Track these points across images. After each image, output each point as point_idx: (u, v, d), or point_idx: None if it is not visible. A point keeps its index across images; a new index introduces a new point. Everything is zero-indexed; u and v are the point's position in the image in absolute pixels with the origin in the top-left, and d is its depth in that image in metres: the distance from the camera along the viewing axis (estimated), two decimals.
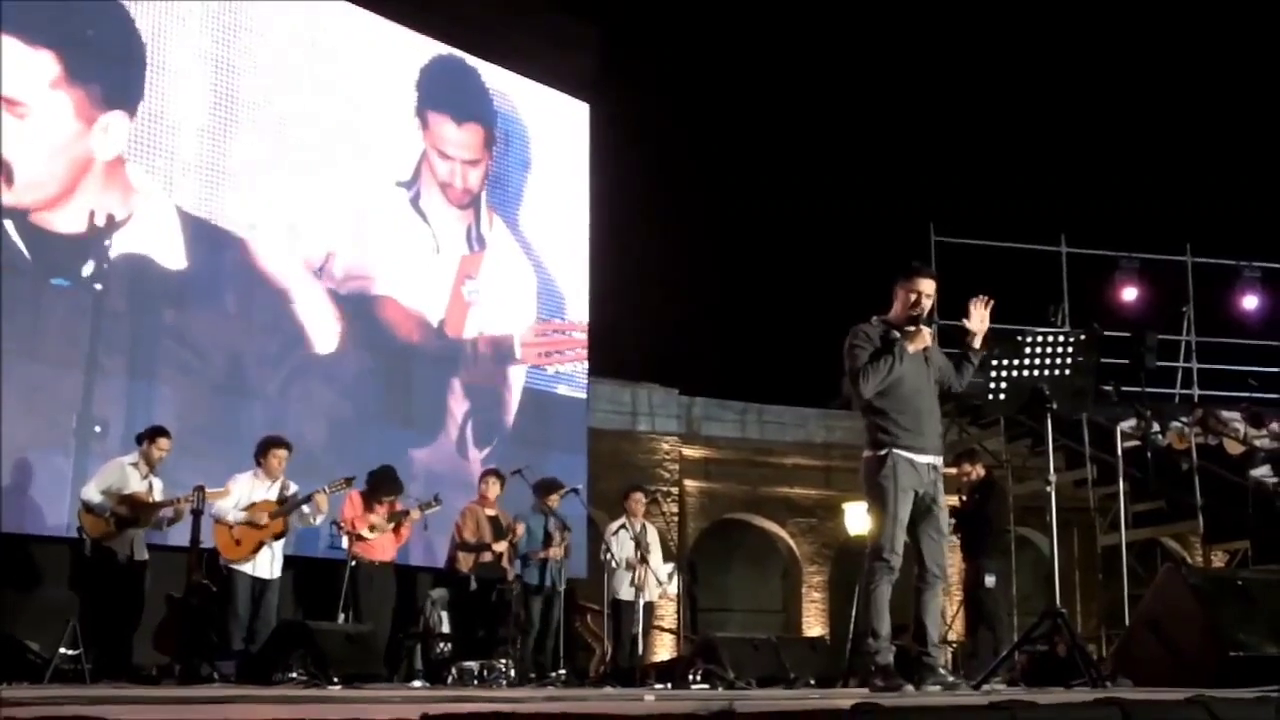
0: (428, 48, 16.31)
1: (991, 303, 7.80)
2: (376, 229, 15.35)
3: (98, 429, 12.55)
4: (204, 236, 13.72)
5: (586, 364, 17.82)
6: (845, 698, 6.10)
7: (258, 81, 14.39)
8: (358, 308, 14.99)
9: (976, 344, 7.85)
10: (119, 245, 13.00)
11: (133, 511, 11.10)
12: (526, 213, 17.17)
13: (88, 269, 12.77)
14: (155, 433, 11.43)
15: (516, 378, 16.64)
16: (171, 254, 13.43)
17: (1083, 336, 8.30)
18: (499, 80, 17.13)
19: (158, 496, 11.32)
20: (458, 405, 15.87)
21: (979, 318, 7.81)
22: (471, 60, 16.83)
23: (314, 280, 14.58)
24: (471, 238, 16.42)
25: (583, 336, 17.72)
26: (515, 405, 16.57)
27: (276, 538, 11.72)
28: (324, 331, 14.64)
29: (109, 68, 13.32)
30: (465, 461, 15.57)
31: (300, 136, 14.68)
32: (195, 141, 13.77)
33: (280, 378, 14.25)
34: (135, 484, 11.23)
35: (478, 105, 16.85)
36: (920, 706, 3.24)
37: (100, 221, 12.87)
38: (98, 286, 12.82)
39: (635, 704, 4.27)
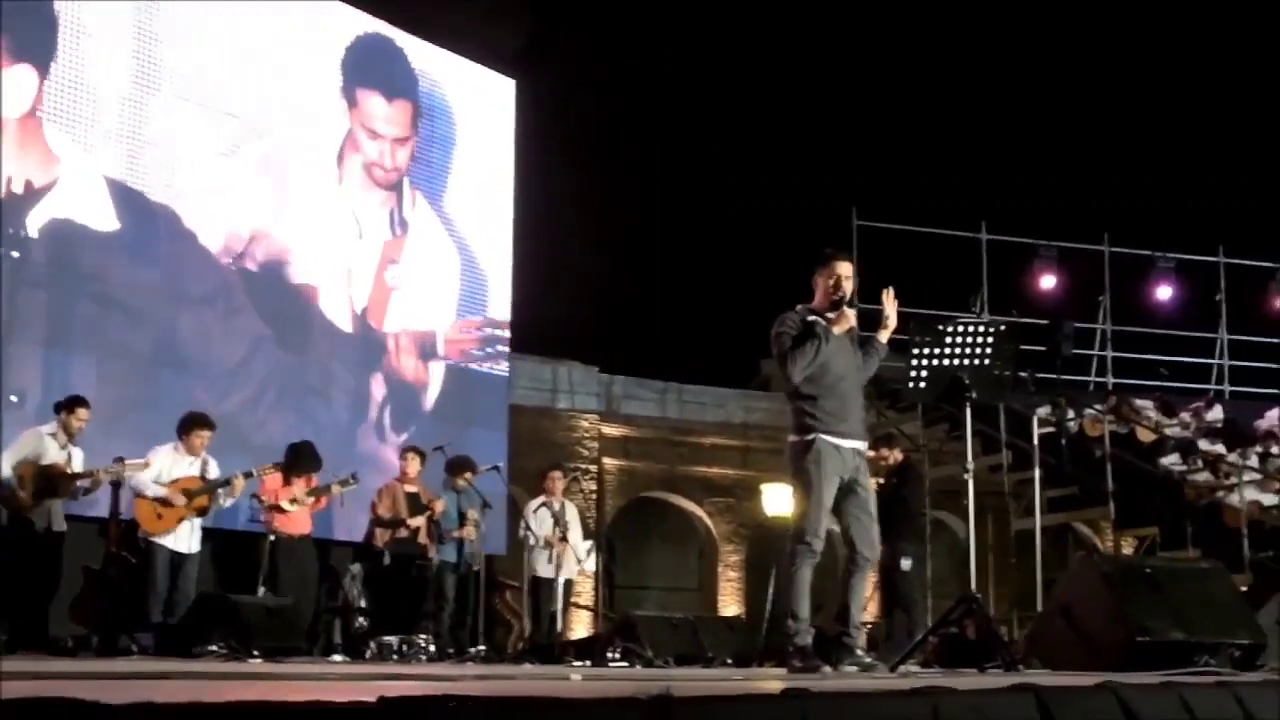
0: (354, 23, 16.07)
1: (895, 298, 7.93)
2: (298, 213, 15.13)
3: (13, 399, 12.36)
4: (132, 205, 13.53)
5: (507, 349, 17.79)
6: (767, 678, 6.22)
7: (181, 52, 14.13)
8: (280, 292, 14.85)
9: (883, 337, 7.99)
10: (42, 213, 12.79)
11: (50, 483, 11.03)
12: (451, 192, 17.06)
13: (5, 235, 12.53)
14: (74, 402, 11.32)
15: (436, 371, 16.62)
16: (100, 221, 13.25)
17: (1002, 328, 8.46)
18: (424, 56, 16.95)
19: (77, 467, 11.23)
20: (377, 390, 15.82)
21: (892, 313, 7.94)
22: (400, 39, 16.63)
23: (237, 259, 14.47)
24: (394, 221, 16.27)
25: (505, 334, 17.66)
26: (435, 395, 16.52)
27: (200, 514, 11.71)
28: (248, 309, 14.51)
29: (14, 20, 12.84)
30: (384, 445, 15.52)
31: (223, 113, 14.47)
32: (117, 109, 13.55)
33: (205, 353, 14.08)
34: (54, 454, 11.13)
35: (406, 82, 16.69)
36: (847, 691, 3.33)
37: (18, 188, 12.63)
38: (14, 254, 12.57)
39: (567, 684, 4.35)
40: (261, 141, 14.85)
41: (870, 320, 10.01)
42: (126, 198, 13.51)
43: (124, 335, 13.39)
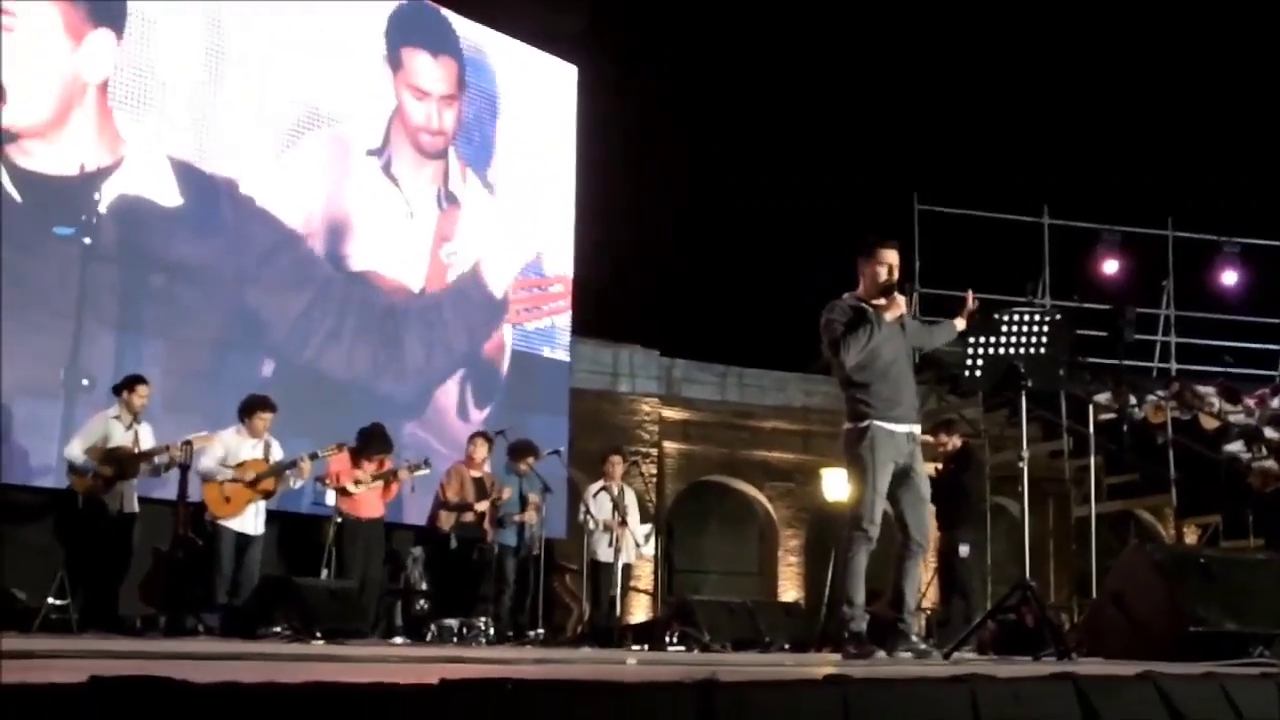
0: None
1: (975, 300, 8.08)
2: (351, 203, 15.23)
3: (85, 382, 12.58)
4: (199, 187, 13.73)
5: (569, 315, 17.84)
6: (820, 664, 6.29)
7: (244, 38, 14.33)
8: (341, 279, 15.00)
9: (960, 325, 8.12)
10: (109, 193, 12.98)
11: (119, 466, 11.21)
12: (499, 165, 17.08)
13: (79, 217, 12.78)
14: (133, 381, 11.47)
15: (505, 336, 16.75)
16: (167, 200, 13.44)
17: (1058, 315, 8.49)
18: (473, 32, 16.95)
19: (146, 444, 11.42)
20: (452, 366, 16.01)
21: (969, 313, 8.07)
22: (444, 11, 16.67)
23: (304, 242, 14.64)
24: (441, 196, 16.33)
25: (562, 289, 17.70)
26: (508, 362, 16.68)
27: (266, 497, 11.87)
28: (312, 295, 14.69)
29: None
30: (466, 424, 15.62)
31: (283, 97, 14.68)
32: (183, 92, 13.76)
33: (272, 336, 14.29)
34: (120, 436, 11.31)
35: (450, 43, 16.63)
36: (887, 678, 3.41)
37: (91, 168, 12.85)
38: (86, 240, 12.83)
39: (620, 668, 4.44)
40: (317, 124, 14.99)
41: (931, 304, 10.05)
42: (191, 178, 13.68)
43: (192, 317, 13.58)
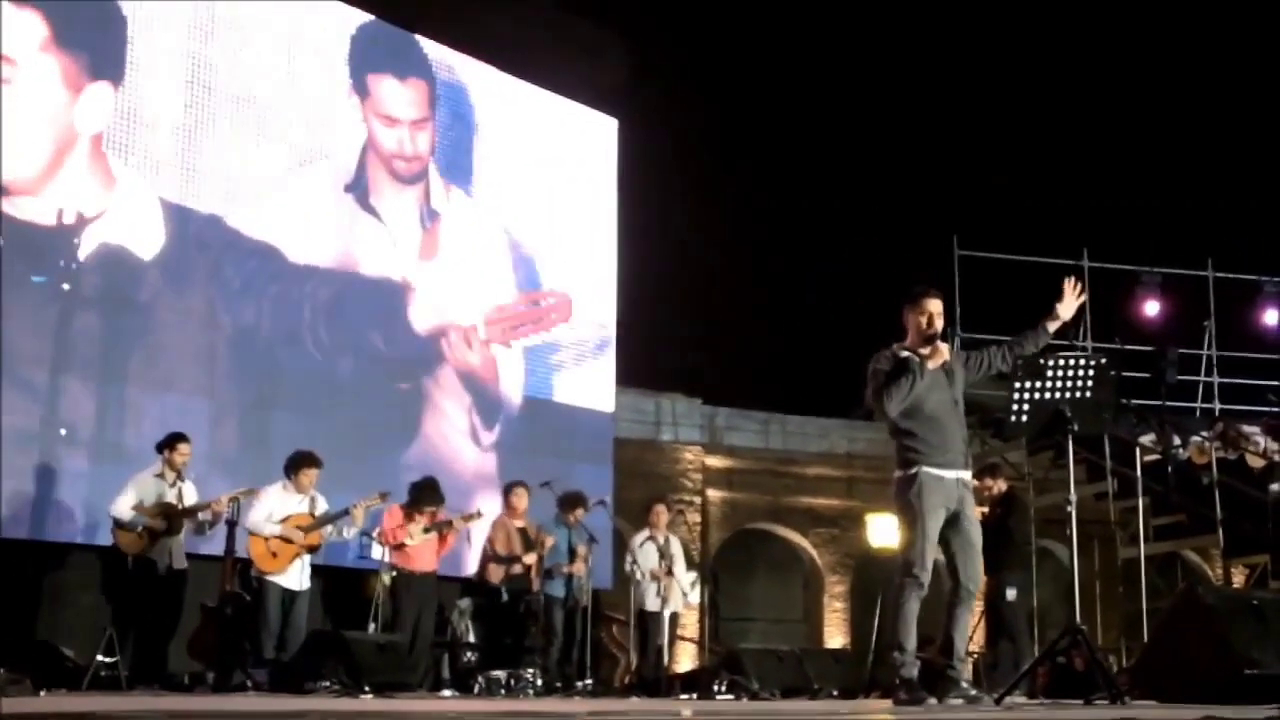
0: (352, 18, 15.59)
1: (1081, 289, 8.11)
2: (333, 239, 14.98)
3: (63, 431, 12.51)
4: (184, 232, 13.56)
5: (567, 326, 17.35)
6: (874, 711, 6.28)
7: (232, 79, 14.18)
8: (334, 319, 14.81)
9: (1051, 327, 8.13)
10: (90, 241, 12.80)
11: (166, 520, 11.28)
12: (480, 181, 16.68)
13: (59, 265, 12.61)
14: (175, 439, 11.61)
15: (507, 356, 16.49)
16: (151, 245, 13.29)
17: (1103, 360, 8.48)
18: (444, 54, 16.61)
19: (190, 501, 11.50)
20: (458, 399, 15.87)
21: (1071, 305, 8.10)
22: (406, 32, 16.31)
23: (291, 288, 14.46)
24: (424, 215, 15.94)
25: (554, 303, 17.19)
26: (517, 382, 16.50)
27: (311, 551, 11.92)
28: (308, 340, 14.59)
29: (94, 34, 13.06)
30: (479, 449, 15.61)
31: (260, 141, 14.43)
32: (170, 136, 13.58)
33: (262, 386, 14.19)
34: (165, 493, 11.43)
35: (418, 65, 16.22)
36: None
37: (70, 219, 12.69)
38: (65, 286, 12.67)
39: (675, 717, 4.46)
40: (304, 165, 14.79)
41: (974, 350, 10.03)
42: (177, 223, 13.51)
43: (176, 366, 13.43)
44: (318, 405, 14.44)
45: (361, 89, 15.48)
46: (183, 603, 11.46)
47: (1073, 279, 8.24)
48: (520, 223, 17.02)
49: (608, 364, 17.82)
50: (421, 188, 16.04)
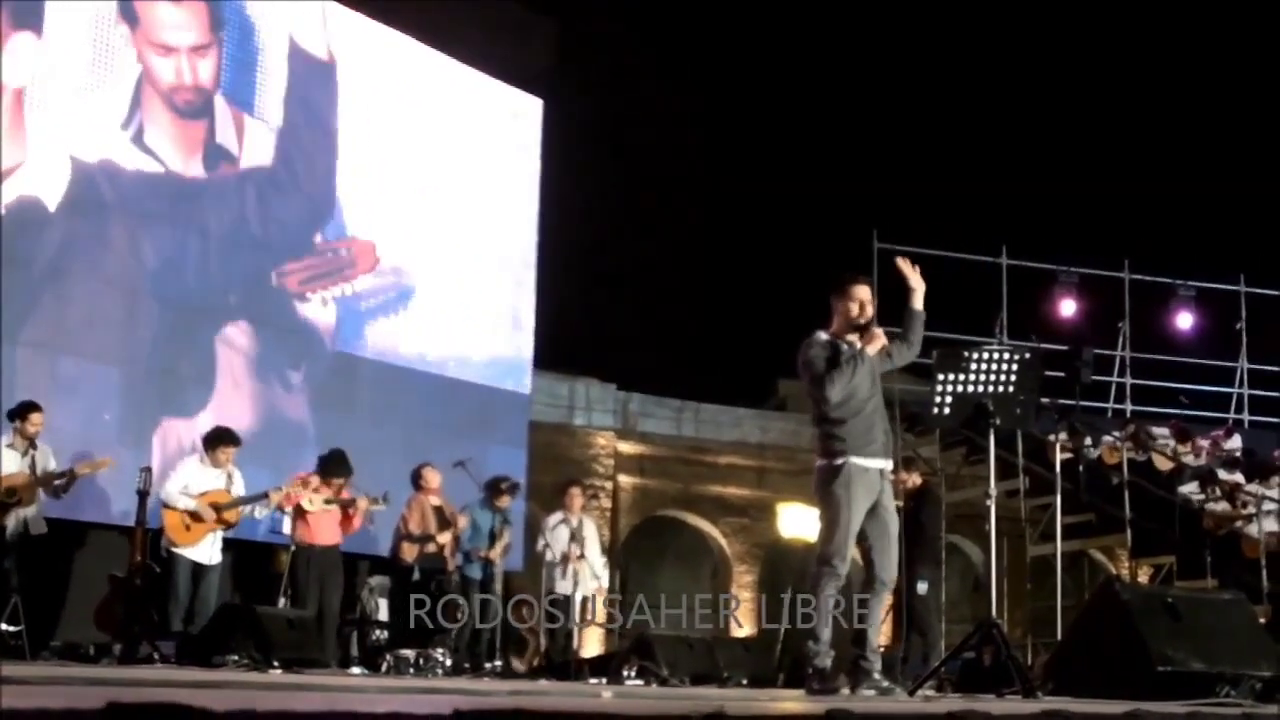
0: None
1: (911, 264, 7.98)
2: (102, 183, 13.36)
3: None
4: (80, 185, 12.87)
5: (368, 280, 15.85)
6: (787, 699, 6.26)
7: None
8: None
9: (917, 303, 7.98)
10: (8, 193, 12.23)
11: (13, 492, 11.01)
12: (280, 113, 15.05)
13: None
14: (26, 409, 11.26)
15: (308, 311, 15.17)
16: (54, 201, 12.69)
17: (1027, 355, 8.49)
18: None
19: (50, 467, 11.26)
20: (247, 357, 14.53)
21: (914, 277, 7.96)
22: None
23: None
24: (209, 152, 14.25)
25: (350, 254, 15.67)
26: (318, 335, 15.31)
27: (227, 527, 11.81)
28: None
29: None
30: (288, 394, 14.75)
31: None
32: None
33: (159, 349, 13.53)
34: (13, 464, 11.12)
35: None
36: (888, 714, 3.40)
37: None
38: None
39: (621, 701, 4.40)
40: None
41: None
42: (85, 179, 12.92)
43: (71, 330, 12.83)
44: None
45: (130, 17, 13.68)
46: (46, 567, 11.26)
47: (905, 259, 8.05)
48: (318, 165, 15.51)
49: (525, 346, 17.66)
50: (205, 122, 14.34)
